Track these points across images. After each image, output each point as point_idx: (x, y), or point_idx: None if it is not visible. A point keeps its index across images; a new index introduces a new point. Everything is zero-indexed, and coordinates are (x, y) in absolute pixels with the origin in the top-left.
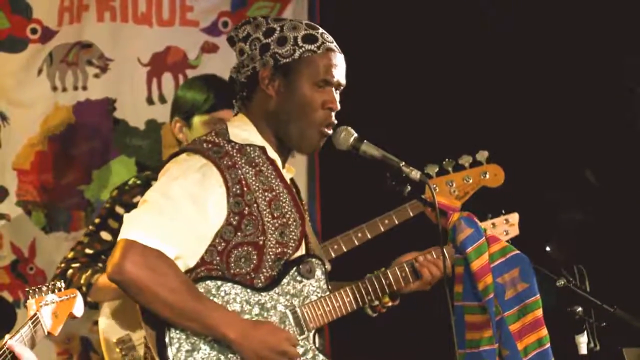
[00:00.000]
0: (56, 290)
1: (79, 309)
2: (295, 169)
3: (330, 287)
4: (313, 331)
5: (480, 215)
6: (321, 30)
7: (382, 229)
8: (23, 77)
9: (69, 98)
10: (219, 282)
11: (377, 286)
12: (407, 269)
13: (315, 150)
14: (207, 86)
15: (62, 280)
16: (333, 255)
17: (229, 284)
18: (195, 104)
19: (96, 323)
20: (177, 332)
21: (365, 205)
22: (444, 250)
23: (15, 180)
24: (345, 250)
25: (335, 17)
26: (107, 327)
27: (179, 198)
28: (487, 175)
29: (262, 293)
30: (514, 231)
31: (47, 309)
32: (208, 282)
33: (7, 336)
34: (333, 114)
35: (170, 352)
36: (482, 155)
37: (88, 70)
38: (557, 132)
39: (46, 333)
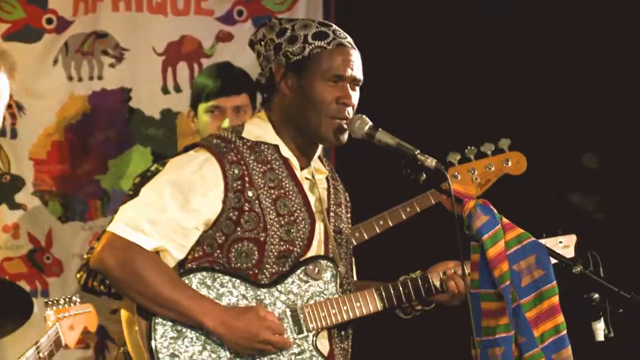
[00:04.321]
0: (72, 304)
1: (93, 323)
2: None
3: (347, 289)
4: (314, 332)
5: (535, 234)
6: (334, 27)
7: (404, 217)
8: (39, 67)
9: (84, 88)
10: (217, 275)
11: (393, 294)
12: (431, 281)
13: (338, 144)
14: (210, 74)
15: (85, 273)
16: (355, 243)
17: (228, 277)
18: (198, 93)
19: (113, 312)
20: (164, 320)
21: (382, 193)
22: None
23: (31, 170)
24: (366, 237)
25: (350, 5)
26: (130, 315)
27: (167, 192)
28: (510, 163)
29: (262, 289)
30: (568, 253)
31: (64, 322)
32: (204, 273)
33: (29, 351)
34: (349, 109)
35: (155, 339)
36: (505, 142)
37: (103, 60)
38: (578, 119)
39: (64, 344)
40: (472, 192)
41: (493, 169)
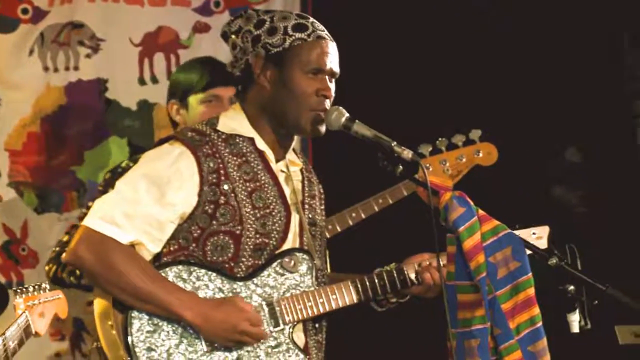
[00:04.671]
0: (41, 291)
1: (63, 310)
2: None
3: (322, 282)
4: (290, 325)
5: (508, 225)
6: (312, 19)
7: (377, 209)
8: (14, 57)
9: (60, 79)
10: (193, 268)
11: (368, 286)
12: (406, 273)
13: (317, 135)
14: (201, 66)
15: (55, 265)
16: (328, 235)
17: (204, 271)
18: (189, 84)
19: (89, 304)
20: (140, 314)
21: (359, 185)
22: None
23: (7, 161)
24: (339, 230)
25: None
26: (103, 309)
27: (142, 185)
28: (481, 154)
29: (238, 282)
30: (542, 245)
31: (34, 310)
32: (180, 266)
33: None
34: (327, 101)
35: (131, 333)
36: (475, 133)
37: (79, 51)
38: (550, 110)
39: (34, 332)
40: (448, 183)
41: (464, 160)
